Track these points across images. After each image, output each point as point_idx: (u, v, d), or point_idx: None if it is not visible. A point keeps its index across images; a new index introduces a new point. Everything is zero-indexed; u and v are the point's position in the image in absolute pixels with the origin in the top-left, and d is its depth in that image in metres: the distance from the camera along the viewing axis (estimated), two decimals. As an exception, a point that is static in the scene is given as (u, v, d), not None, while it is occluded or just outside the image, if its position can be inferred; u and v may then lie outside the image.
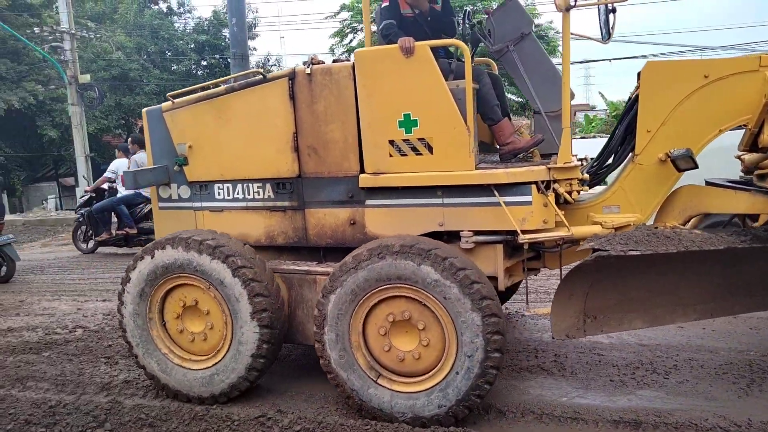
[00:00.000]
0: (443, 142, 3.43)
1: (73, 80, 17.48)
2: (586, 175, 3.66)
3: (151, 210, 7.59)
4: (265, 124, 3.84)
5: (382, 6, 3.99)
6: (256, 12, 23.28)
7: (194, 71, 23.70)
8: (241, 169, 3.97)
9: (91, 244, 10.06)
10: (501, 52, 4.09)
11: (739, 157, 3.69)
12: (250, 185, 3.98)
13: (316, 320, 3.43)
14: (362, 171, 3.63)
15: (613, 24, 3.70)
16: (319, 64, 3.72)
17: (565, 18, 3.37)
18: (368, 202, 3.68)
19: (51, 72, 19.97)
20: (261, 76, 3.84)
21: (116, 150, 11.07)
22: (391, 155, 3.53)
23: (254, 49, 23.56)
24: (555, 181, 3.44)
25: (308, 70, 3.67)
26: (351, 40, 20.81)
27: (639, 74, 3.48)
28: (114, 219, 9.54)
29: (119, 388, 4.04)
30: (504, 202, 3.36)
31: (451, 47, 4.08)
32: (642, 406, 3.44)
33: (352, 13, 20.04)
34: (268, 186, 3.93)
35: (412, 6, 4.06)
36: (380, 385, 3.33)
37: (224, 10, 22.73)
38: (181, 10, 24.24)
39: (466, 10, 4.14)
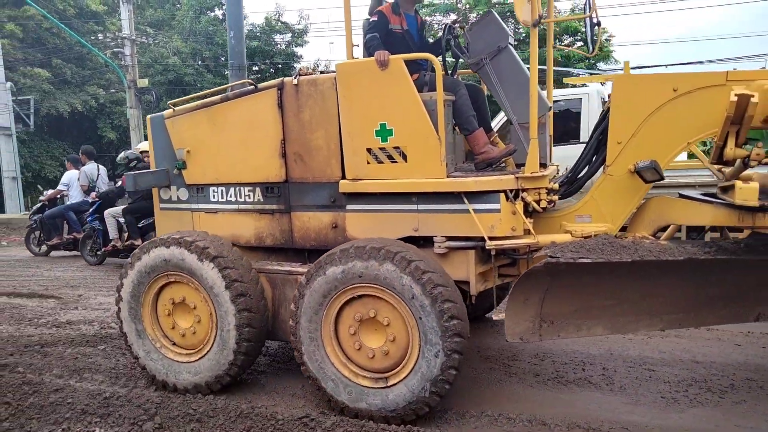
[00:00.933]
0: (416, 150, 3.61)
1: (132, 84, 18.23)
2: (555, 185, 3.74)
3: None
4: (256, 131, 4.08)
5: (370, 20, 4.15)
6: (308, 19, 23.57)
7: (246, 76, 24.33)
8: (233, 173, 4.23)
9: (43, 248, 10.65)
10: (478, 65, 4.21)
11: (720, 170, 3.73)
12: (242, 189, 4.23)
13: (291, 315, 3.65)
14: (344, 177, 3.84)
15: (598, 37, 3.92)
16: (306, 75, 3.94)
17: (533, 33, 3.53)
18: (349, 206, 3.87)
19: (112, 76, 20.91)
20: (252, 86, 4.10)
21: (66, 161, 11.62)
22: (368, 162, 3.73)
23: (300, 57, 23.92)
24: (524, 190, 3.55)
25: (295, 81, 3.90)
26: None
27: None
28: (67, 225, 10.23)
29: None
30: (473, 210, 3.52)
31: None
32: (695, 426, 3.35)
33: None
34: (257, 190, 4.17)
35: (400, 16, 4.20)
36: (349, 379, 3.51)
37: (276, 17, 23.25)
38: None
39: (446, 24, 4.28)
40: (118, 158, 8.98)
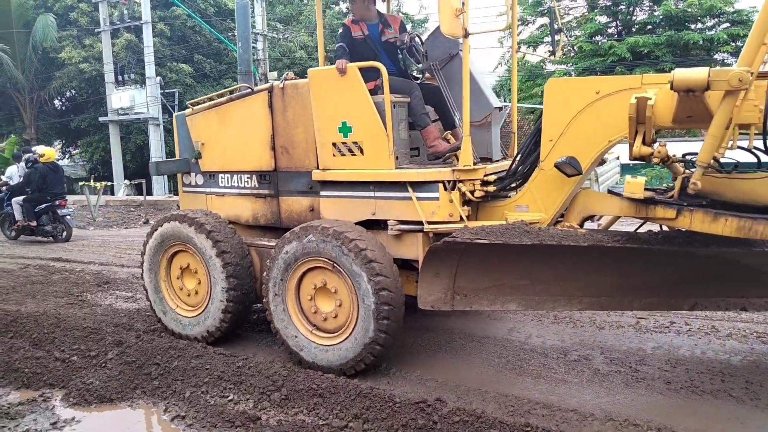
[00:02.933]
0: (370, 145, 4.19)
1: (263, 77, 19.37)
2: (491, 177, 4.14)
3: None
4: (252, 127, 4.78)
5: (340, 31, 4.83)
6: (428, 8, 23.56)
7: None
8: (236, 162, 4.97)
9: (13, 233, 11.58)
10: (429, 70, 4.78)
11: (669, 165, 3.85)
12: (242, 176, 4.96)
13: (263, 281, 4.32)
14: (318, 167, 4.46)
15: (560, 43, 4.45)
16: (292, 80, 4.59)
17: (465, 43, 4.04)
18: (322, 193, 4.51)
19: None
20: (250, 90, 4.81)
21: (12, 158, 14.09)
22: (334, 155, 4.35)
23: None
24: (460, 181, 4.01)
25: (281, 85, 4.58)
26: (520, 33, 20.31)
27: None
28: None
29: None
30: (417, 198, 4.06)
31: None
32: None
33: (522, 5, 19.59)
34: (254, 177, 4.89)
35: (360, 24, 4.76)
36: (309, 339, 4.15)
37: (398, 9, 23.48)
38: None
39: (409, 34, 4.82)
40: (24, 158, 11.76)
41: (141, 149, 22.98)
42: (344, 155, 4.31)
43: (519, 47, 20.52)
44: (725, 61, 17.48)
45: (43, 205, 11.05)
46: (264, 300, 4.34)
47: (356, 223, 4.27)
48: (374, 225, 4.27)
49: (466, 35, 3.94)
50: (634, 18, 18.63)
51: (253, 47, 19.93)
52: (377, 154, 4.16)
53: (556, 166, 3.80)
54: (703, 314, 5.27)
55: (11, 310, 5.68)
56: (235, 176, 5.00)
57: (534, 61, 21.04)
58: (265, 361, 4.16)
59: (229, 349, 4.47)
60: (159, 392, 3.82)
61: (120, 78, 22.20)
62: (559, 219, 4.07)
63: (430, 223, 4.00)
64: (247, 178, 4.93)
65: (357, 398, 3.55)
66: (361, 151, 4.23)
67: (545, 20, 19.92)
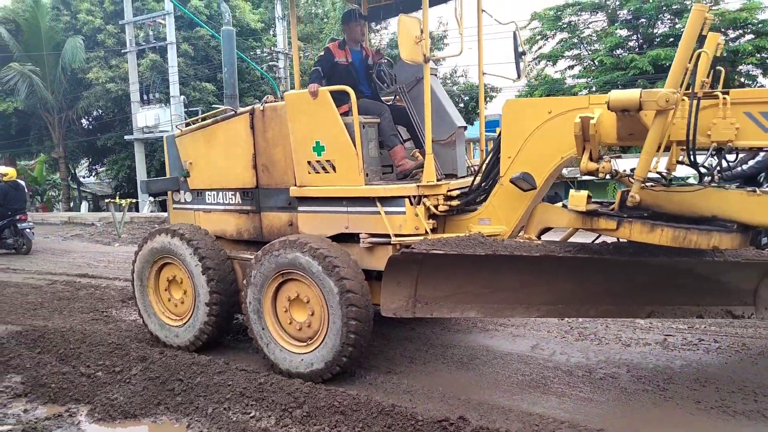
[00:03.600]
0: (342, 163, 4.44)
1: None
2: (455, 192, 4.44)
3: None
4: (236, 147, 5.03)
5: (321, 54, 5.05)
6: (446, 24, 23.71)
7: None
8: (221, 180, 5.24)
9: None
10: (396, 93, 5.07)
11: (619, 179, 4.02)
12: (227, 193, 5.22)
13: (243, 293, 4.56)
14: (295, 184, 4.70)
15: (524, 66, 4.87)
16: (272, 102, 4.83)
17: (425, 68, 4.27)
18: (299, 208, 4.73)
19: (266, 88, 22.63)
20: (233, 112, 5.08)
21: None
22: (309, 172, 4.59)
23: (443, 60, 24.08)
24: (425, 196, 4.26)
25: (262, 107, 4.84)
26: (541, 47, 20.31)
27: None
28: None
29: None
30: (385, 212, 4.28)
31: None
32: None
33: (542, 20, 19.62)
34: (237, 194, 5.15)
35: (344, 50, 5.00)
36: (286, 347, 4.37)
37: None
38: (378, 27, 25.77)
39: (379, 59, 5.16)
40: None
41: (165, 167, 23.30)
42: (318, 173, 4.56)
43: (539, 61, 20.55)
44: (750, 72, 17.23)
45: (5, 221, 11.89)
46: (243, 309, 4.59)
47: (331, 237, 4.48)
48: (349, 238, 4.48)
49: (426, 60, 4.19)
50: (655, 31, 18.50)
51: (275, 65, 20.25)
52: (348, 171, 4.42)
53: (512, 181, 4.07)
54: (733, 332, 5.15)
55: (39, 326, 5.78)
56: (220, 193, 5.28)
57: (495, 85, 21.06)
58: (287, 378, 4.16)
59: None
60: (182, 408, 3.83)
61: (145, 97, 22.67)
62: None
63: (397, 235, 4.23)
64: (232, 195, 5.20)
65: (379, 416, 3.52)
66: (334, 169, 4.49)
67: (565, 35, 19.89)
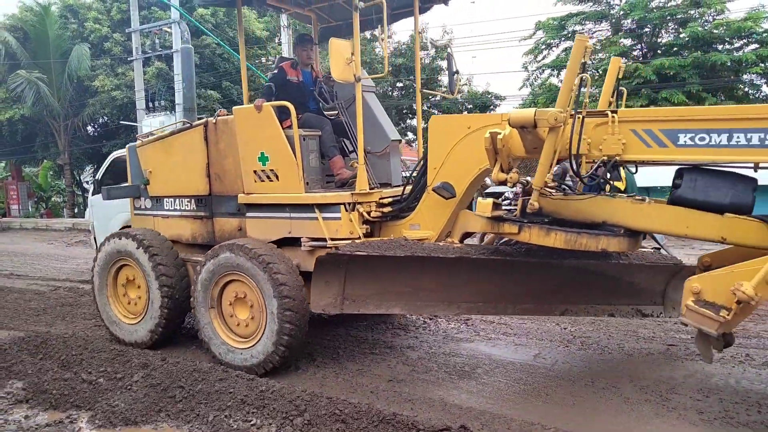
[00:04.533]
0: (284, 172, 4.79)
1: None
2: (388, 199, 4.81)
3: None
4: (191, 157, 5.36)
5: (275, 71, 5.46)
6: (451, 33, 23.80)
7: (389, 92, 25.08)
8: (178, 188, 5.56)
9: None
10: (334, 109, 5.39)
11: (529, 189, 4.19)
12: (183, 200, 5.55)
13: (192, 292, 4.95)
14: (243, 192, 5.02)
15: (457, 82, 5.41)
16: (224, 116, 5.18)
17: (357, 86, 4.60)
18: (248, 214, 5.05)
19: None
20: (188, 125, 5.45)
21: None
22: (255, 181, 4.93)
23: (445, 69, 24.17)
24: (358, 203, 4.60)
25: (214, 120, 5.19)
26: (544, 57, 20.35)
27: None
28: None
29: (319, 381, 4.40)
30: (323, 218, 4.62)
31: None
32: None
33: (546, 30, 19.66)
34: (192, 201, 5.48)
35: (296, 70, 5.39)
36: (228, 343, 4.73)
37: (422, 32, 23.77)
38: (383, 36, 25.93)
39: (320, 78, 5.55)
40: None
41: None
42: (263, 181, 4.90)
43: (543, 70, 20.59)
44: (753, 81, 17.20)
45: None
46: (192, 308, 4.96)
47: (275, 241, 4.85)
48: (293, 242, 4.79)
49: (357, 80, 4.54)
50: (659, 40, 18.50)
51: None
52: (290, 180, 4.76)
53: (434, 190, 4.42)
54: (737, 342, 5.09)
55: (41, 332, 5.80)
56: (177, 200, 5.62)
57: (434, 98, 21.05)
58: (288, 386, 4.15)
59: (252, 376, 4.48)
60: (183, 415, 3.83)
61: (150, 104, 22.80)
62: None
63: (333, 239, 4.53)
64: (187, 201, 5.54)
65: (380, 424, 3.51)
66: (277, 178, 4.83)
67: (569, 43, 19.91)
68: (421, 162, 4.73)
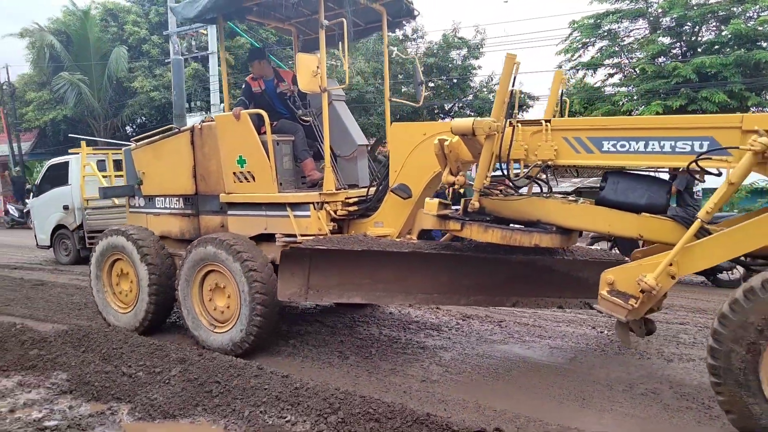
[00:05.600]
0: (259, 174, 5.23)
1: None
2: (354, 199, 5.23)
3: None
4: (179, 159, 5.85)
5: (243, 86, 6.00)
6: (484, 33, 23.61)
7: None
8: (168, 188, 6.04)
9: None
10: (306, 116, 5.82)
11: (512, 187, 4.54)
12: (172, 199, 6.02)
13: (176, 282, 5.43)
14: (225, 191, 5.50)
15: (422, 92, 5.93)
16: (209, 122, 5.63)
17: (324, 96, 5.06)
18: (229, 212, 5.54)
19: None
20: (177, 130, 5.92)
21: None
22: (235, 181, 5.40)
23: (479, 67, 24.01)
24: (326, 203, 5.01)
25: (200, 126, 5.68)
26: (579, 56, 20.01)
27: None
28: None
29: (352, 380, 4.42)
30: (294, 215, 5.06)
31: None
32: None
33: (581, 30, 19.32)
34: (180, 199, 5.95)
35: (258, 81, 5.90)
36: (208, 328, 5.23)
37: (453, 33, 23.66)
38: (415, 36, 25.86)
39: (291, 87, 5.87)
40: None
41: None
42: (242, 182, 5.36)
43: (577, 70, 20.25)
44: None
45: None
46: (177, 297, 5.43)
47: (253, 237, 5.27)
48: (269, 238, 5.24)
49: (323, 90, 4.96)
50: (699, 38, 17.99)
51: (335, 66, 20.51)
52: (265, 180, 5.20)
53: (392, 191, 4.85)
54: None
55: (83, 325, 5.96)
56: (167, 199, 6.10)
57: (533, 94, 20.67)
58: (322, 384, 4.18)
59: (285, 372, 4.53)
60: (219, 410, 3.89)
61: (187, 105, 23.28)
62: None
63: (303, 235, 4.97)
64: (176, 200, 6.00)
65: (414, 425, 3.50)
66: (253, 179, 5.28)
67: (605, 42, 19.54)
68: (385, 166, 5.13)
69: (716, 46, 16.67)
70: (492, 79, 25.41)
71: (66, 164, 11.52)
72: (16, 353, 4.94)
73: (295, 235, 5.01)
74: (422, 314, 6.52)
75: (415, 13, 6.08)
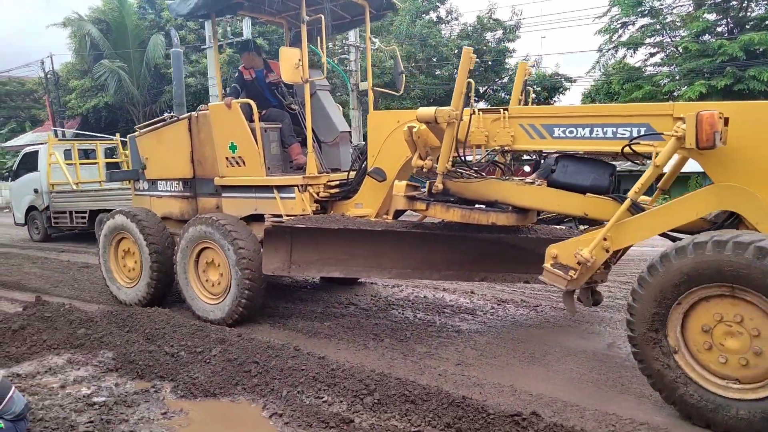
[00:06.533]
0: (249, 159, 5.66)
1: (355, 87, 19.81)
2: (335, 182, 5.65)
3: None
4: (178, 145, 6.30)
5: (236, 74, 6.44)
6: (520, 14, 23.14)
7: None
8: (168, 172, 6.54)
9: None
10: (294, 103, 6.28)
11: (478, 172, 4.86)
12: (172, 182, 6.52)
13: (174, 259, 5.93)
14: (219, 175, 5.94)
15: (402, 82, 6.36)
16: (204, 111, 6.05)
17: (306, 87, 5.53)
18: (223, 194, 6.02)
19: (337, 81, 22.95)
20: (176, 118, 6.36)
21: None
22: (228, 166, 5.83)
23: (513, 50, 23.56)
24: (309, 185, 5.45)
25: (196, 114, 6.14)
26: (619, 35, 19.43)
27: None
28: None
29: (387, 362, 4.46)
30: (280, 197, 5.51)
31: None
32: None
33: (621, 6, 18.73)
34: (180, 183, 6.44)
35: (249, 70, 6.32)
36: (203, 300, 5.75)
37: (489, 15, 23.24)
38: (449, 18, 25.51)
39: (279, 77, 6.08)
40: None
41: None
42: (234, 166, 5.78)
43: (617, 50, 19.67)
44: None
45: None
46: (175, 272, 5.94)
47: (245, 217, 5.74)
48: (260, 218, 5.67)
49: (305, 81, 5.30)
50: (748, 14, 17.23)
51: (346, 59, 20.47)
52: (254, 165, 5.62)
53: (368, 174, 5.24)
54: None
55: (127, 306, 6.17)
56: (168, 182, 6.59)
57: (569, 76, 20.04)
58: (358, 365, 4.24)
59: (322, 354, 4.59)
60: (258, 389, 3.98)
61: (223, 91, 23.61)
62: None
63: (288, 215, 5.39)
64: (176, 183, 6.49)
65: (449, 407, 3.52)
66: (244, 163, 5.70)
67: (646, 20, 18.91)
68: (363, 151, 5.49)
69: (767, 22, 15.94)
70: (528, 61, 24.93)
71: (37, 152, 13.37)
72: (66, 332, 5.15)
73: (282, 215, 5.42)
74: (457, 298, 6.51)
75: (397, 6, 6.52)
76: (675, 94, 17.34)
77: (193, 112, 6.22)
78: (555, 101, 23.78)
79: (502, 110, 4.44)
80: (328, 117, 6.32)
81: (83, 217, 12.23)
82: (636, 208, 3.85)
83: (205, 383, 4.08)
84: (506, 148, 4.50)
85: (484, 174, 4.85)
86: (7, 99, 35.85)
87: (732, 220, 3.74)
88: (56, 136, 16.94)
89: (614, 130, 3.99)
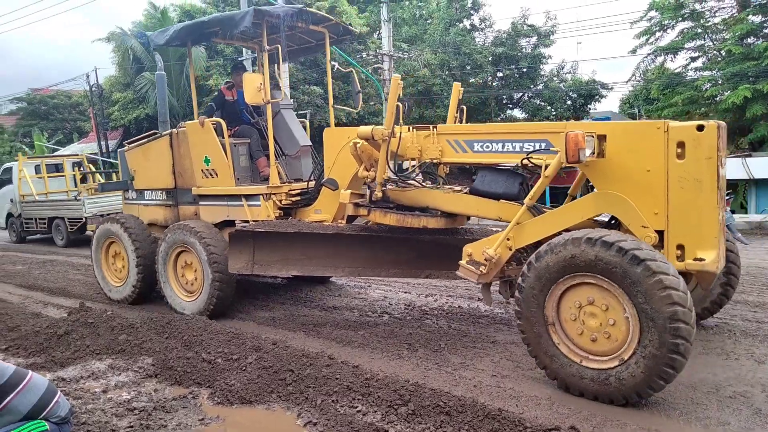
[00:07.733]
0: (221, 171, 6.50)
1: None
2: (297, 191, 6.39)
3: None
4: (162, 159, 7.13)
5: (216, 94, 7.36)
6: (554, 19, 22.85)
7: (490, 83, 24.59)
8: (154, 182, 7.35)
9: None
10: (257, 123, 7.07)
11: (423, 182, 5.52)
12: (157, 192, 7.35)
13: (156, 261, 6.67)
14: (196, 186, 6.76)
15: (360, 101, 7.18)
16: (181, 128, 6.85)
17: (268, 108, 6.23)
18: (200, 203, 6.84)
19: (370, 90, 23.10)
20: (159, 134, 7.23)
21: None
22: (203, 177, 6.67)
23: (549, 57, 23.28)
24: (273, 194, 6.21)
25: (176, 131, 6.92)
26: (658, 39, 18.99)
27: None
28: None
29: (422, 372, 4.43)
30: (248, 205, 6.34)
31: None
32: None
33: (661, 10, 18.29)
34: (164, 192, 7.26)
35: (232, 90, 7.27)
36: (180, 297, 6.51)
37: (522, 21, 23.04)
38: (483, 25, 25.39)
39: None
40: None
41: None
42: (208, 177, 6.61)
43: (656, 55, 19.21)
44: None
45: None
46: (157, 273, 6.67)
47: (218, 223, 6.55)
48: (232, 224, 6.40)
49: (267, 103, 6.09)
50: (795, 15, 16.60)
51: (380, 68, 20.60)
52: (225, 176, 6.46)
53: (322, 184, 5.94)
54: None
55: (166, 313, 6.30)
56: (153, 192, 7.38)
57: (606, 83, 19.54)
58: (392, 375, 4.22)
59: (355, 363, 4.58)
60: (293, 398, 4.00)
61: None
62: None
63: (254, 221, 6.08)
64: (160, 193, 7.29)
65: (485, 419, 3.47)
66: (216, 175, 6.53)
67: (687, 24, 18.43)
68: (321, 163, 6.15)
69: (815, 24, 15.34)
70: (563, 67, 24.61)
71: (11, 168, 16.48)
72: (107, 338, 5.29)
73: (248, 221, 6.08)
74: (492, 309, 6.43)
75: (355, 32, 7.24)
76: (717, 99, 16.82)
77: (173, 129, 6.98)
78: (590, 109, 23.35)
79: (431, 128, 5.11)
80: (291, 133, 7.14)
81: (44, 223, 15.36)
82: (536, 211, 4.48)
83: (241, 390, 4.12)
84: (435, 161, 5.14)
85: (425, 184, 5.46)
86: (54, 112, 37.24)
87: (616, 221, 4.33)
88: (99, 149, 19.56)
89: (521, 145, 4.63)
